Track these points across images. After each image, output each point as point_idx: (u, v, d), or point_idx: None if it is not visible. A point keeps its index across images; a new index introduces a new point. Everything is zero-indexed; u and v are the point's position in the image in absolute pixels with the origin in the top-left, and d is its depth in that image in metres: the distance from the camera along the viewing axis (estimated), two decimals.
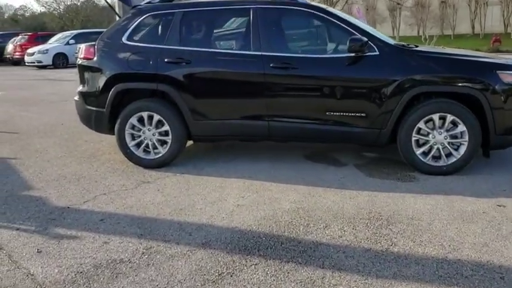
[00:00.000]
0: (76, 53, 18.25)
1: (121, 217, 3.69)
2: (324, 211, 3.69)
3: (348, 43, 4.30)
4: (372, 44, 4.41)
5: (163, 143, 4.94)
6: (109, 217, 3.69)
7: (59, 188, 4.43)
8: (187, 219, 3.60)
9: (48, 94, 11.32)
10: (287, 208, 3.77)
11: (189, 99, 4.73)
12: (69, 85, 13.26)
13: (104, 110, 4.92)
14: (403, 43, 4.83)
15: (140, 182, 4.55)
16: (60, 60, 21.42)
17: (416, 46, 4.86)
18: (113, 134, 5.17)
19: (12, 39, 25.12)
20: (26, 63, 21.87)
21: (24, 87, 13.21)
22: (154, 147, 4.93)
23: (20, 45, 24.04)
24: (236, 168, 4.88)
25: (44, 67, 21.37)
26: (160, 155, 4.91)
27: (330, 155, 5.32)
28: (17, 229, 3.51)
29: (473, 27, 40.21)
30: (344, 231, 3.33)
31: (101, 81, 4.90)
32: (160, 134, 4.88)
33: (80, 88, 5.16)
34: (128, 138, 4.92)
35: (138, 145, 4.95)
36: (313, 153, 5.40)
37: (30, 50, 21.91)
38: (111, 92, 4.84)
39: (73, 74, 17.13)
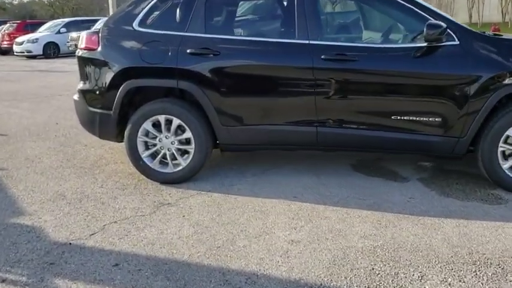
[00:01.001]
0: (68, 42, 17.13)
1: (142, 260, 2.78)
2: (410, 251, 2.81)
3: (425, 30, 3.39)
4: (450, 32, 3.50)
5: (184, 153, 4.03)
6: (125, 260, 2.79)
7: (56, 212, 3.51)
8: (230, 265, 2.71)
9: (39, 87, 10.31)
10: (359, 246, 2.88)
11: (217, 100, 3.81)
12: (62, 77, 12.24)
13: (111, 113, 3.99)
14: (482, 31, 3.90)
15: (158, 203, 3.63)
16: (51, 50, 20.29)
17: (499, 34, 3.95)
18: (121, 142, 4.25)
19: (0, 28, 23.90)
20: (15, 53, 20.72)
21: (13, 79, 12.17)
22: (173, 159, 4.01)
23: (8, 34, 22.86)
24: (272, 183, 3.98)
25: (34, 57, 20.23)
26: (180, 167, 3.99)
27: (382, 165, 4.43)
28: (2, 281, 2.60)
29: (470, 17, 39.52)
30: (450, 285, 2.45)
31: (107, 77, 3.96)
32: (180, 142, 3.97)
33: (81, 85, 4.21)
34: (140, 148, 4.00)
35: (153, 156, 4.04)
36: (361, 162, 4.51)
37: (19, 39, 20.75)
38: (120, 91, 3.90)
39: (66, 64, 16.08)
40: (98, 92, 4.05)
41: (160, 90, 4.11)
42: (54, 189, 4.00)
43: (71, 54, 19.58)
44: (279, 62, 3.75)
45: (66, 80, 11.45)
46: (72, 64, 15.76)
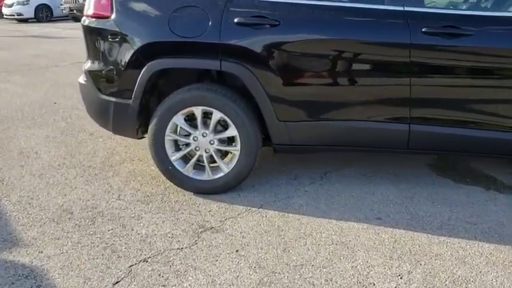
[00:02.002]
0: (61, 4, 15.77)
1: None
2: None
3: None
4: None
5: (226, 155, 3.09)
6: None
7: (63, 241, 2.60)
8: None
9: (32, 56, 9.21)
10: None
11: (275, 87, 2.85)
12: (57, 44, 11.10)
13: (130, 102, 3.01)
14: None
15: (198, 227, 2.72)
16: (44, 13, 18.90)
17: None
18: (141, 138, 3.30)
19: None
20: (4, 16, 19.32)
21: (2, 45, 11.02)
22: (212, 162, 3.07)
23: None
24: (341, 195, 3.08)
25: (25, 20, 18.87)
26: (221, 174, 3.06)
27: (469, 166, 3.51)
28: None
29: None
30: None
31: (125, 54, 2.97)
32: (221, 141, 3.02)
33: (89, 65, 3.22)
34: (169, 148, 3.05)
35: (186, 159, 3.09)
36: (440, 161, 3.58)
37: (8, 1, 19.29)
38: (142, 74, 2.93)
39: (60, 29, 14.85)
40: (112, 75, 3.06)
41: (193, 74, 3.13)
42: (57, 201, 3.06)
43: (65, 18, 18.29)
44: (360, 37, 2.77)
45: (61, 47, 10.33)
46: (66, 29, 14.56)
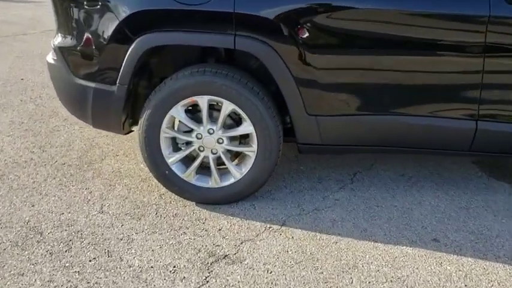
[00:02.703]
0: None
1: None
2: None
3: None
4: None
5: (237, 157, 2.45)
6: None
7: (28, 279, 1.94)
8: None
9: None
10: None
11: (305, 70, 2.21)
12: (26, 9, 10.06)
13: (115, 89, 2.33)
14: None
15: (207, 255, 2.11)
16: None
17: None
18: (128, 133, 2.63)
19: None
20: None
21: None
22: (220, 165, 2.43)
23: None
24: (380, 205, 2.52)
25: None
26: (232, 180, 2.43)
27: None
28: None
29: None
30: None
31: (107, 27, 2.28)
32: (232, 139, 2.37)
33: (59, 40, 2.50)
34: (165, 148, 2.40)
35: (187, 161, 2.44)
36: (487, 162, 3.01)
37: None
38: (129, 52, 2.25)
39: None
40: (90, 54, 2.36)
41: (195, 52, 2.45)
42: (23, 215, 2.40)
43: None
44: (418, 7, 2.10)
45: (32, 13, 9.34)
46: None
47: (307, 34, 2.13)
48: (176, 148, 2.46)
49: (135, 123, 2.58)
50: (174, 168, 2.43)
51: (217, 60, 2.51)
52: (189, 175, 2.44)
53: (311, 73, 2.20)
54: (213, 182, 2.44)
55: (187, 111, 2.37)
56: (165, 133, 2.37)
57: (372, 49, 2.17)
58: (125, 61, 2.27)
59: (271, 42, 2.16)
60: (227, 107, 2.29)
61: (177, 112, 2.33)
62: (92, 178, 2.77)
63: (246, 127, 2.32)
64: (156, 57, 2.48)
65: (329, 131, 2.32)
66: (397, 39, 2.14)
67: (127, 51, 2.24)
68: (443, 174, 2.83)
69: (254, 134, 2.32)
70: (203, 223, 2.34)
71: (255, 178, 2.41)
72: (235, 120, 2.40)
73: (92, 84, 2.39)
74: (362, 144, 2.38)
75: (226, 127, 2.38)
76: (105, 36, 2.27)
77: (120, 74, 2.30)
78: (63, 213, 2.42)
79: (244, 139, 2.42)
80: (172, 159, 2.42)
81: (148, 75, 2.54)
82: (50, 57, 2.58)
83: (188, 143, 2.43)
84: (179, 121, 2.40)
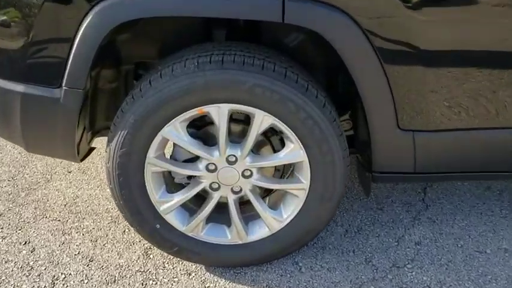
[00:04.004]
0: None
1: None
2: None
3: None
4: None
5: (272, 195, 1.52)
6: None
7: None
8: None
9: None
10: None
11: (406, 60, 1.23)
12: None
13: (60, 94, 1.31)
14: None
15: None
16: None
17: None
18: (86, 156, 1.60)
19: None
20: None
21: None
22: (248, 211, 1.49)
23: None
24: (489, 259, 1.64)
25: None
26: (266, 232, 1.50)
27: None
28: None
29: None
30: None
31: None
32: (262, 174, 1.42)
33: None
34: (154, 189, 1.43)
35: (190, 204, 1.48)
36: None
37: None
38: (84, 31, 1.22)
39: None
40: (10, 36, 1.29)
41: (191, 26, 1.43)
42: None
43: None
44: None
45: None
46: None
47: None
48: (171, 187, 1.48)
49: (99, 134, 1.59)
50: (169, 218, 1.47)
51: (229, 34, 1.51)
52: (196, 227, 1.49)
53: (418, 63, 1.25)
54: (235, 235, 1.50)
55: (190, 128, 1.39)
56: (153, 166, 1.39)
57: None
58: (74, 48, 1.23)
59: (353, 12, 1.18)
60: (262, 121, 1.32)
61: (174, 132, 1.34)
62: (33, 224, 1.78)
63: (293, 153, 1.37)
64: (127, 32, 1.44)
65: (431, 153, 1.41)
66: None
67: (77, 29, 1.21)
68: None
69: (307, 163, 1.38)
70: None
71: (304, 228, 1.49)
72: (270, 141, 1.44)
73: (19, 88, 1.34)
74: (474, 170, 1.48)
75: (257, 153, 1.43)
76: (34, 2, 1.21)
77: (67, 70, 1.27)
78: None
79: (287, 172, 1.47)
80: (166, 205, 1.45)
81: (113, 60, 1.52)
82: None
83: (190, 178, 1.46)
84: (176, 145, 1.42)
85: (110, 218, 1.80)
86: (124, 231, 1.74)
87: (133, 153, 1.36)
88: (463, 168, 1.47)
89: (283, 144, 1.43)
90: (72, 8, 1.23)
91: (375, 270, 1.58)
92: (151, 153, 1.37)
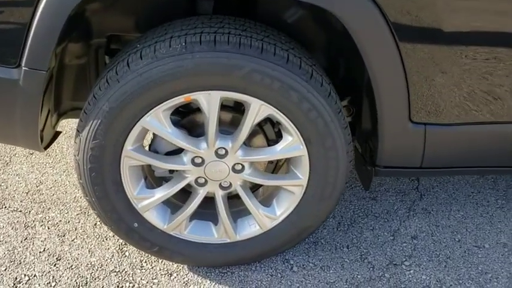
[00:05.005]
0: None
1: None
2: None
3: None
4: None
5: (263, 190, 1.37)
6: None
7: None
8: None
9: None
10: None
11: (426, 46, 1.08)
12: None
13: (19, 75, 1.11)
14: None
15: None
16: None
17: None
18: (50, 144, 1.40)
19: None
20: None
21: None
22: (237, 206, 1.34)
23: None
24: (487, 253, 1.57)
25: None
26: (257, 230, 1.36)
27: None
28: None
29: None
30: None
31: None
32: (254, 167, 1.28)
33: None
34: (131, 185, 1.26)
35: (174, 202, 1.32)
36: None
37: None
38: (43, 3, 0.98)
39: None
40: None
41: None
42: None
43: None
44: None
45: None
46: None
47: None
48: (152, 180, 1.31)
49: (65, 115, 1.40)
50: (149, 216, 1.30)
51: (217, 6, 1.31)
52: (178, 225, 1.33)
53: (439, 51, 1.09)
54: (222, 233, 1.35)
55: (174, 117, 1.21)
56: (131, 160, 1.21)
57: None
58: (36, 21, 1.02)
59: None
60: (259, 111, 1.15)
61: (156, 122, 1.16)
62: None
63: (292, 146, 1.22)
64: (96, 2, 1.23)
65: (441, 147, 1.28)
66: None
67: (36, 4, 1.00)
68: None
69: (306, 158, 1.23)
70: None
71: (300, 227, 1.36)
72: (264, 133, 1.28)
73: None
74: (481, 165, 1.37)
75: (251, 145, 1.27)
76: None
77: (27, 47, 1.05)
78: None
79: (287, 166, 1.32)
80: (146, 202, 1.28)
81: (82, 32, 1.30)
82: None
83: (171, 172, 1.29)
84: (158, 136, 1.23)
85: (78, 209, 1.62)
86: (95, 224, 1.57)
87: (108, 145, 1.17)
88: (470, 163, 1.36)
89: (278, 134, 1.28)
90: None
91: (371, 269, 1.47)
92: (129, 145, 1.19)
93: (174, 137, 1.19)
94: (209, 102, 1.14)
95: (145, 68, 1.09)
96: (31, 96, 1.13)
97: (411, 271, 1.48)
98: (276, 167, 1.39)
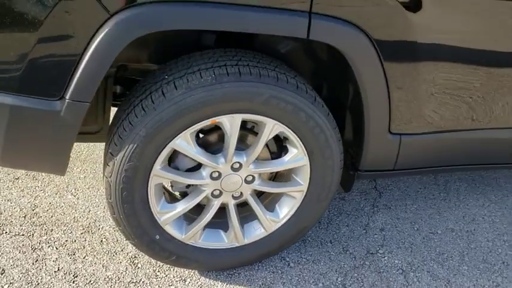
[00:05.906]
0: None
1: None
2: None
3: None
4: None
5: (266, 196, 1.58)
6: None
7: None
8: None
9: None
10: None
11: (407, 69, 1.38)
12: None
13: (61, 107, 1.22)
14: None
15: None
16: None
17: None
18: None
19: None
20: None
21: None
22: (247, 214, 1.54)
23: None
24: (442, 240, 1.91)
25: None
26: (262, 233, 1.57)
27: None
28: None
29: None
30: None
31: None
32: (261, 178, 1.49)
33: None
34: (156, 201, 1.41)
35: (188, 214, 1.49)
36: None
37: None
38: (99, 43, 1.15)
39: None
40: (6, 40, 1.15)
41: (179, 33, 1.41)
42: None
43: None
44: None
45: None
46: None
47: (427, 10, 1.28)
48: (169, 197, 1.47)
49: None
50: (169, 228, 1.45)
51: (218, 40, 1.50)
52: (194, 235, 1.49)
53: (417, 73, 1.38)
54: (232, 239, 1.53)
55: (199, 137, 1.38)
56: (158, 177, 1.35)
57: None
58: (88, 56, 1.14)
59: (367, 27, 1.26)
60: (272, 129, 1.36)
61: (185, 143, 1.32)
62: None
63: (297, 158, 1.44)
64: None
65: (411, 153, 1.57)
66: None
67: (88, 42, 1.12)
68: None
69: (307, 168, 1.45)
70: None
71: (299, 227, 1.58)
72: (267, 147, 1.49)
73: (8, 99, 1.20)
74: (443, 165, 1.69)
75: (261, 158, 1.46)
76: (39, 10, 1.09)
77: (74, 80, 1.17)
78: None
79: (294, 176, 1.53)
80: (167, 216, 1.43)
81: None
82: None
83: (187, 186, 1.46)
84: (180, 155, 1.39)
85: (81, 228, 1.70)
86: (101, 240, 1.66)
87: (141, 166, 1.30)
88: (434, 164, 1.67)
89: (279, 147, 1.49)
90: (86, 16, 1.12)
91: (353, 258, 1.72)
92: (158, 165, 1.33)
93: (198, 155, 1.36)
94: (232, 123, 1.32)
95: (180, 97, 1.24)
96: (71, 127, 1.23)
97: (385, 257, 1.75)
98: (275, 176, 1.60)
